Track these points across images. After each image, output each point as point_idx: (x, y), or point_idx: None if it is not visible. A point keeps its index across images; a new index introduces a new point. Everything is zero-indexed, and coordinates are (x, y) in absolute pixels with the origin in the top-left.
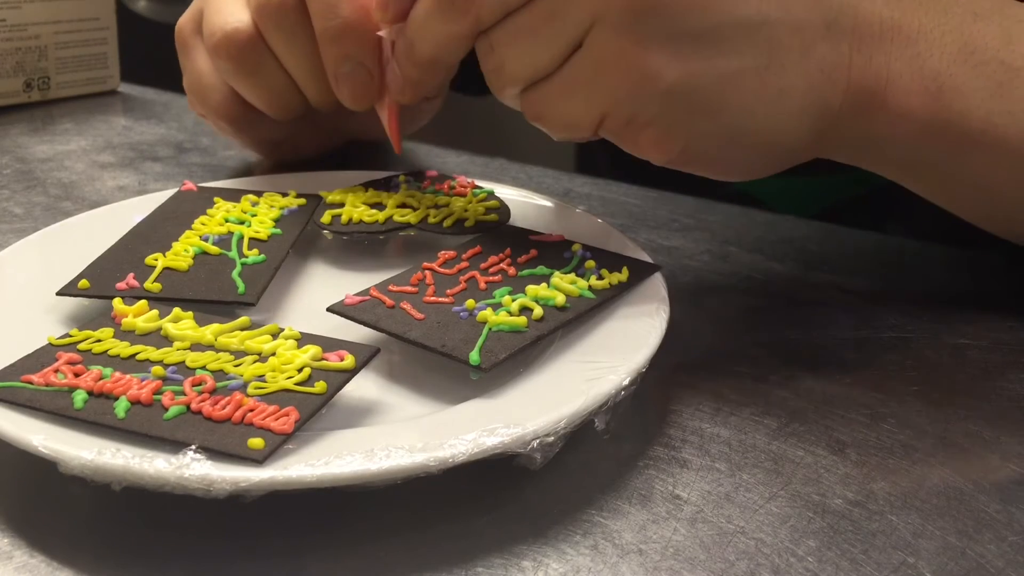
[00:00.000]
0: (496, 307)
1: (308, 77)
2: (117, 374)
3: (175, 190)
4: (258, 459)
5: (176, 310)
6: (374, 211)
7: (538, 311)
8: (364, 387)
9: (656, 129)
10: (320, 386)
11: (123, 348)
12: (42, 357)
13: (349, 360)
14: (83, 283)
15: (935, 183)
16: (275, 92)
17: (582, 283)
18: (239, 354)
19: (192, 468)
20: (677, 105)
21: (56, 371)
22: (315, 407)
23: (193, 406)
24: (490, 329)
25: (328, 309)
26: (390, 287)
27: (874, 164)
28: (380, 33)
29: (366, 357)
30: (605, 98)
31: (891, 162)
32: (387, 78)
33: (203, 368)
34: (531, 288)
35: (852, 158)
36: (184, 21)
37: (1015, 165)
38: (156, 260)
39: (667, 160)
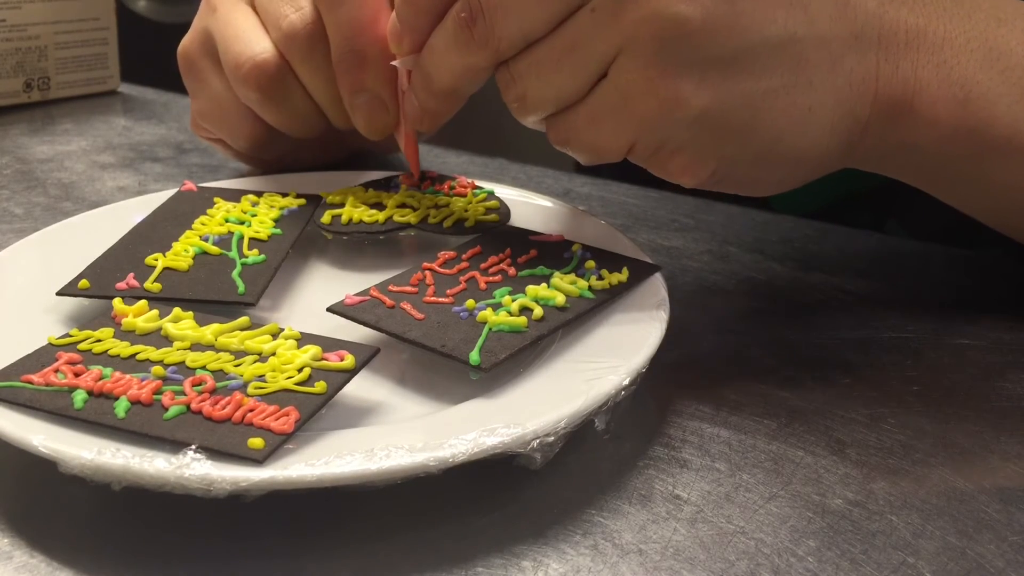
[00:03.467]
0: (496, 307)
1: (332, 103)
2: (117, 374)
3: (175, 190)
4: (258, 459)
5: (176, 310)
6: (374, 211)
7: (538, 311)
8: (364, 387)
9: (686, 155)
10: (320, 386)
11: (123, 348)
12: (42, 357)
13: (349, 360)
14: (83, 283)
15: (960, 189)
16: (300, 116)
17: (582, 283)
18: (239, 354)
19: (192, 468)
20: (706, 131)
21: (56, 371)
22: (315, 407)
23: (193, 406)
24: (490, 329)
25: (328, 309)
26: (390, 287)
27: (899, 171)
28: (395, 63)
29: (366, 357)
30: (634, 127)
31: (917, 169)
32: (404, 107)
33: (203, 368)
34: (531, 288)
35: (878, 166)
36: (189, 44)
37: None
38: (156, 260)
39: (698, 183)
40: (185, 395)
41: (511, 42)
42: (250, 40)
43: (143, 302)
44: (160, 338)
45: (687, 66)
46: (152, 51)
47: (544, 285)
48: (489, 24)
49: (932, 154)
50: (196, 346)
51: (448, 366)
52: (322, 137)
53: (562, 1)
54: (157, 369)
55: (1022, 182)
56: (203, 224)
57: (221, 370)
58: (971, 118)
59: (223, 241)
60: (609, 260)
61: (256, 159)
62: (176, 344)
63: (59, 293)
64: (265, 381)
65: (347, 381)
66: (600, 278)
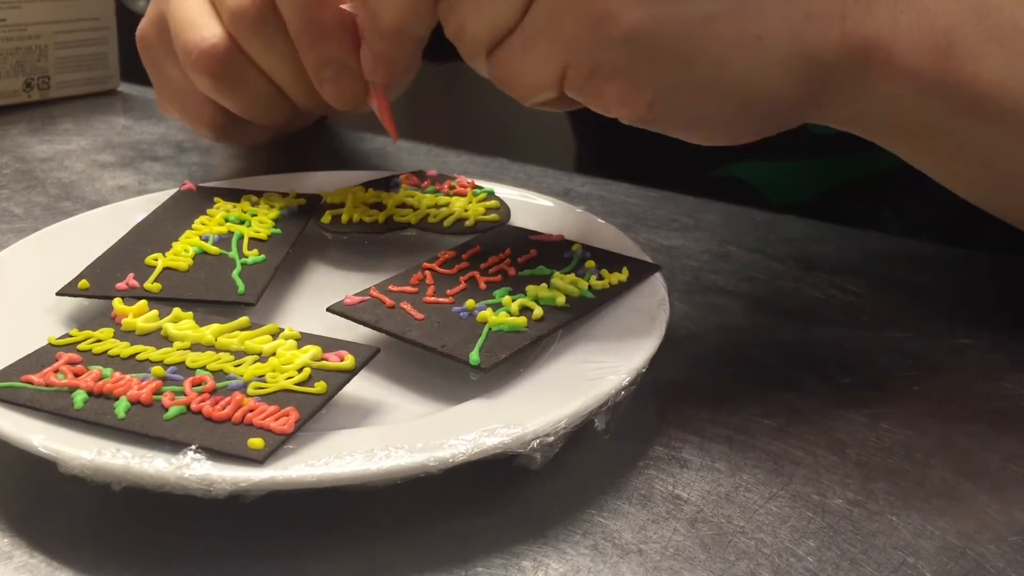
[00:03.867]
0: (496, 307)
1: (293, 81)
2: (117, 374)
3: (175, 190)
4: (258, 459)
5: (176, 310)
6: (374, 211)
7: (538, 311)
8: (364, 387)
9: (621, 81)
10: (320, 386)
11: (123, 348)
12: (42, 357)
13: (349, 360)
14: (83, 283)
15: (939, 154)
16: (260, 101)
17: (582, 283)
18: (239, 354)
19: (192, 468)
20: (641, 53)
21: (56, 371)
22: (315, 407)
23: (193, 406)
24: (490, 329)
25: (328, 309)
26: (390, 287)
27: (873, 130)
28: (344, 7)
29: (366, 357)
30: (564, 48)
31: (892, 128)
32: (362, 59)
33: (203, 368)
34: (531, 288)
35: (849, 122)
36: (145, 29)
37: None
38: (156, 260)
39: (636, 116)
40: (185, 395)
41: None
42: (200, 25)
43: (143, 302)
44: (160, 338)
45: None
46: None
47: (544, 285)
48: None
49: (910, 110)
50: (196, 346)
51: (448, 366)
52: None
53: None
54: (157, 369)
55: (1006, 149)
56: (203, 224)
57: (221, 370)
58: (954, 73)
59: (223, 241)
60: (609, 260)
61: (227, 142)
62: (176, 344)
63: (59, 293)
64: (265, 381)
65: (347, 381)
66: (600, 278)
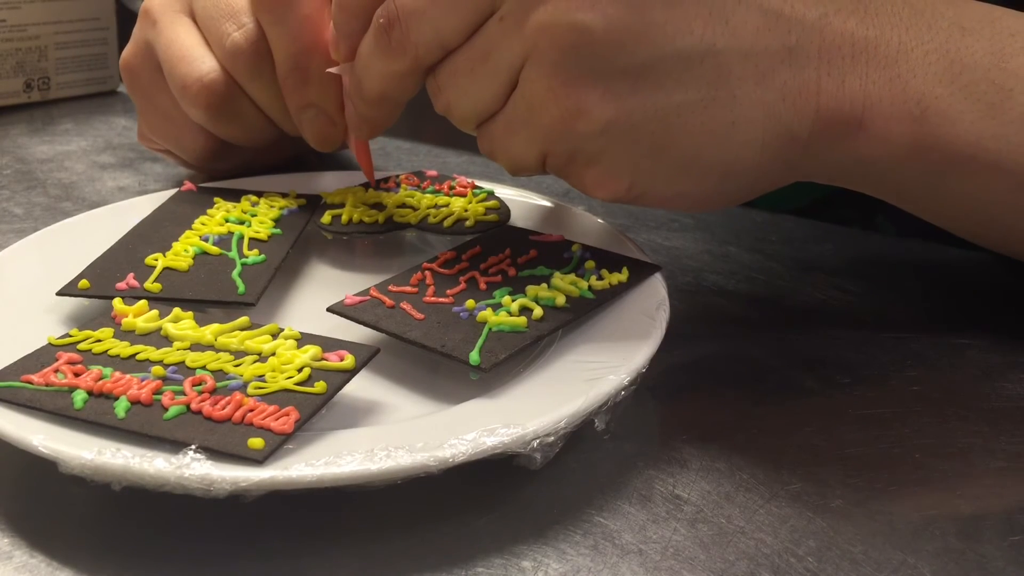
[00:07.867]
0: (496, 307)
1: (282, 115)
2: (117, 374)
3: (175, 190)
4: (258, 459)
5: (176, 310)
6: (374, 211)
7: (538, 311)
8: (364, 387)
9: (599, 168)
10: (320, 386)
11: (123, 348)
12: (42, 357)
13: (349, 360)
14: (83, 283)
15: (924, 204)
16: (251, 129)
17: (582, 283)
18: (239, 354)
19: (192, 468)
20: (617, 143)
21: (56, 371)
22: (315, 407)
23: (193, 406)
24: (490, 329)
25: (328, 309)
26: (390, 287)
27: (858, 185)
28: (331, 70)
29: (366, 357)
30: (542, 137)
31: (875, 184)
32: (346, 114)
33: (203, 368)
34: (531, 288)
35: (833, 180)
36: (131, 58)
37: (1010, 188)
38: (156, 260)
39: (616, 198)
40: (185, 395)
41: (428, 48)
42: (195, 58)
43: (143, 302)
44: (160, 338)
45: (590, 76)
46: None
47: (544, 285)
48: (404, 30)
49: (890, 171)
50: (196, 346)
51: (448, 366)
52: (277, 142)
53: (473, 8)
54: (157, 369)
55: (990, 198)
56: (203, 224)
57: (221, 370)
58: (929, 136)
59: (223, 241)
60: (609, 260)
61: (209, 169)
62: (176, 344)
63: (59, 293)
64: (265, 381)
65: (347, 381)
66: (600, 278)
